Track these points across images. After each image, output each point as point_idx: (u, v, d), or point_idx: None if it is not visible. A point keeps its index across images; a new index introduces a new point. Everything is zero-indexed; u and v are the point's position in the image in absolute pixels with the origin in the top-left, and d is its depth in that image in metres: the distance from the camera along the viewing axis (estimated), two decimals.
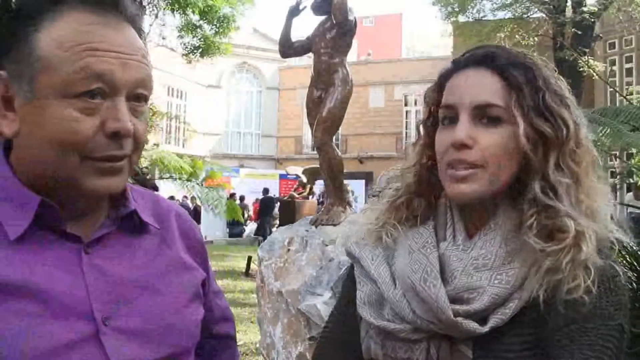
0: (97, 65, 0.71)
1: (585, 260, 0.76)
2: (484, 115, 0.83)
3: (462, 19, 17.00)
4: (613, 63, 17.45)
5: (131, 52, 0.74)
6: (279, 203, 12.69)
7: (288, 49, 3.61)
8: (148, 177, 10.99)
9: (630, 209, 7.11)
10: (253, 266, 8.26)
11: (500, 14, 16.42)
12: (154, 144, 12.80)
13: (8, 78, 0.72)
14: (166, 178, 11.60)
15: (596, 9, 13.93)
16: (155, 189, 9.69)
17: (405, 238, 0.89)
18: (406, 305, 0.83)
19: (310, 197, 10.94)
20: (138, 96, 0.75)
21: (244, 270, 8.96)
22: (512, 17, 16.08)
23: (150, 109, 12.28)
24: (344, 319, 0.97)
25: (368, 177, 21.06)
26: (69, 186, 0.74)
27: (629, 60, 17.46)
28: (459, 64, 0.89)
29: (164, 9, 11.75)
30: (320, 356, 1.00)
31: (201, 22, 12.45)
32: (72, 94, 0.70)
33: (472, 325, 0.78)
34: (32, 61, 0.71)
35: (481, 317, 0.79)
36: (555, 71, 0.90)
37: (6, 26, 0.72)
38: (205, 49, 12.75)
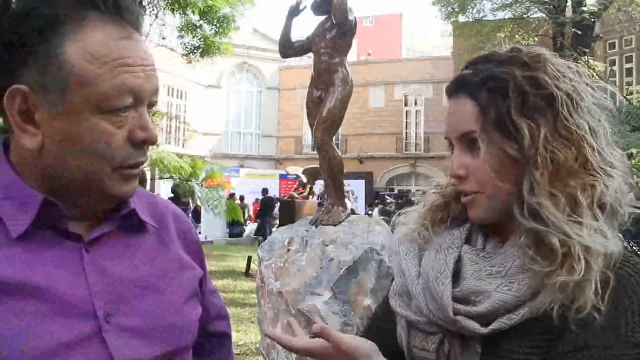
0: (131, 81, 0.73)
1: (582, 279, 0.73)
2: (471, 141, 0.84)
3: (462, 19, 17.01)
4: (613, 63, 17.45)
5: (150, 63, 0.76)
6: (279, 203, 12.70)
7: (288, 49, 3.60)
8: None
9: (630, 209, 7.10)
10: (253, 266, 8.27)
11: (500, 14, 16.44)
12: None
13: (29, 91, 0.71)
14: (166, 178, 11.62)
15: (596, 9, 13.93)
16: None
17: (438, 237, 0.92)
18: (423, 300, 0.87)
19: (310, 197, 10.94)
20: (152, 103, 0.78)
21: (244, 270, 8.96)
22: (512, 17, 16.08)
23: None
24: (386, 310, 1.01)
25: (368, 177, 21.08)
26: (95, 192, 0.76)
27: (629, 60, 17.47)
28: (447, 93, 0.90)
29: (164, 9, 11.75)
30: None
31: (201, 22, 12.46)
32: (108, 109, 0.72)
33: (473, 325, 0.79)
34: (62, 74, 0.70)
35: (486, 319, 0.80)
36: (555, 56, 0.85)
37: (21, 34, 0.71)
38: (205, 49, 12.76)
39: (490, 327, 0.79)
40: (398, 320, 0.95)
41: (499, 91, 0.81)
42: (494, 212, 0.85)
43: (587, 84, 0.84)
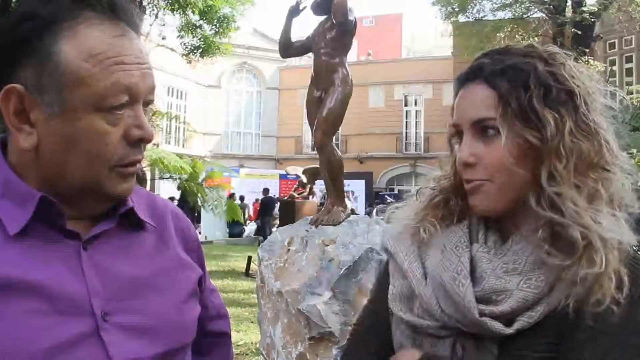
0: (126, 79, 0.73)
1: (603, 272, 0.74)
2: (484, 129, 0.83)
3: (462, 19, 17.02)
4: (613, 63, 17.45)
5: (145, 62, 0.76)
6: (279, 203, 12.69)
7: (288, 49, 3.60)
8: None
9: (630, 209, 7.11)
10: (253, 266, 8.27)
11: (500, 14, 16.44)
12: (154, 144, 12.81)
13: (24, 91, 0.71)
14: (166, 178, 11.63)
15: (596, 9, 13.93)
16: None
17: (440, 236, 0.90)
18: (435, 302, 0.84)
19: (311, 197, 10.93)
20: (148, 102, 0.78)
21: (244, 270, 8.97)
22: (512, 17, 16.08)
23: (150, 109, 12.28)
24: (376, 313, 0.98)
25: (368, 177, 21.07)
26: (93, 191, 0.76)
27: (629, 60, 17.47)
28: (460, 80, 0.89)
29: (164, 9, 11.76)
30: (351, 349, 1.01)
31: (201, 22, 12.47)
32: (103, 108, 0.72)
33: (498, 326, 0.78)
34: (57, 73, 0.70)
35: (508, 318, 0.79)
36: (571, 57, 0.86)
37: (19, 35, 0.71)
38: (205, 49, 12.77)
39: (515, 326, 0.78)
40: (396, 326, 0.91)
41: (520, 81, 0.81)
42: (501, 203, 0.83)
43: (598, 88, 0.85)
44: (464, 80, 0.88)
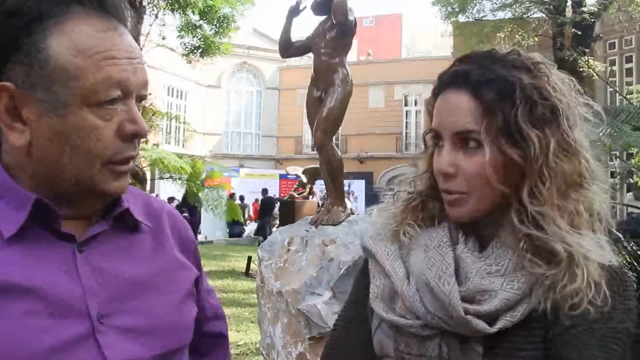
0: (117, 74, 0.72)
1: (582, 284, 0.76)
2: (466, 139, 0.82)
3: (462, 19, 17.01)
4: (613, 63, 17.45)
5: (137, 56, 0.75)
6: (279, 203, 12.70)
7: (288, 49, 3.61)
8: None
9: (630, 209, 7.11)
10: (253, 266, 8.27)
11: (500, 14, 16.43)
12: (154, 144, 12.81)
13: (15, 88, 0.70)
14: (166, 178, 11.64)
15: (596, 9, 13.94)
16: None
17: (421, 237, 0.89)
18: (419, 301, 0.84)
19: (311, 197, 10.93)
20: (141, 97, 0.77)
21: (244, 270, 8.97)
22: (512, 17, 16.08)
23: (150, 109, 12.33)
24: (356, 312, 0.97)
25: (368, 177, 21.08)
26: (86, 188, 0.75)
27: (629, 60, 17.46)
28: (442, 83, 0.87)
29: (164, 9, 11.77)
30: (331, 349, 1.00)
31: (201, 22, 12.50)
32: (95, 103, 0.71)
33: (482, 324, 0.79)
34: (47, 69, 0.70)
35: (491, 318, 0.79)
36: (554, 66, 0.86)
37: (7, 31, 0.70)
38: (205, 49, 12.80)
39: (497, 325, 0.78)
40: (376, 326, 0.91)
41: (506, 95, 0.80)
42: (479, 213, 0.83)
43: (576, 98, 0.85)
44: (447, 84, 0.86)
